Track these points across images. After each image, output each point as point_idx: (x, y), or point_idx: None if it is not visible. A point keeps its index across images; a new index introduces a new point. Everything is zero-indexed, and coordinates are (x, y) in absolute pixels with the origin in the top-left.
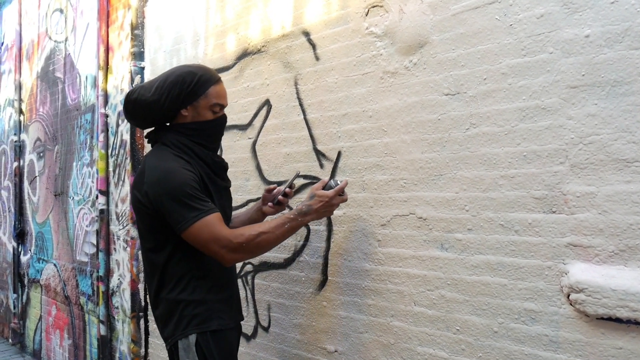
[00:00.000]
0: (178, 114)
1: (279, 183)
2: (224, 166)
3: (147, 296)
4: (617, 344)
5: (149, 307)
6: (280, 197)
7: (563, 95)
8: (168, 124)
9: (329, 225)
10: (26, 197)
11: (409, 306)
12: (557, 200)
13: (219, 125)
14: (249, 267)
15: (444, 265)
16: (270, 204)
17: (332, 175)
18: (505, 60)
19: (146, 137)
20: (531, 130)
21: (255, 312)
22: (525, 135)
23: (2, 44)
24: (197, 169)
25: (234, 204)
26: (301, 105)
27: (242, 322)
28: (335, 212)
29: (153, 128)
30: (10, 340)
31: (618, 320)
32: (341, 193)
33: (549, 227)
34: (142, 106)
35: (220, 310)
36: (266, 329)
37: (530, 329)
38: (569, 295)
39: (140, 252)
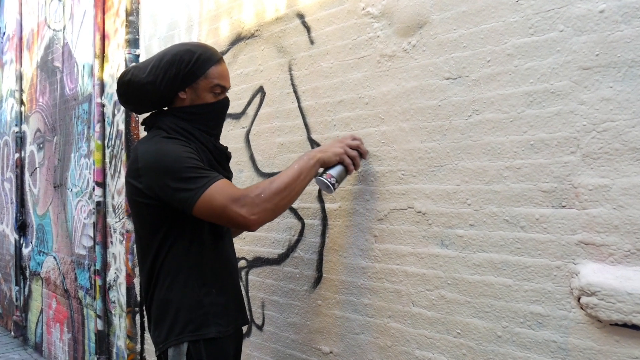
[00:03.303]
0: (176, 97)
1: None
2: (226, 154)
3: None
4: (633, 353)
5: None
6: None
7: (574, 77)
8: (165, 108)
9: (324, 220)
10: (27, 188)
11: (407, 307)
12: (567, 194)
13: (220, 108)
14: (242, 263)
15: (444, 264)
16: None
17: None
18: (511, 40)
19: (142, 123)
20: (539, 117)
21: (250, 309)
22: (533, 122)
23: (4, 33)
24: (200, 153)
25: None
26: (295, 92)
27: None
28: (330, 205)
29: (149, 115)
30: (12, 332)
31: (634, 327)
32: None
33: (558, 223)
34: (136, 88)
35: (218, 315)
36: (260, 328)
37: (536, 334)
38: (579, 299)
39: (134, 245)
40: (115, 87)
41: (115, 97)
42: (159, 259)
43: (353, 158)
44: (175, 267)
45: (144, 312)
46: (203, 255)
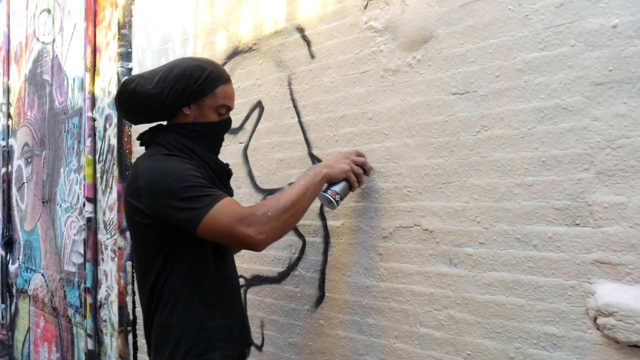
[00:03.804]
0: (179, 112)
1: None
2: (227, 172)
3: (141, 311)
4: None
5: (138, 320)
6: None
7: (587, 93)
8: (164, 123)
9: (326, 237)
10: (14, 204)
11: (414, 327)
12: (581, 212)
13: (223, 129)
14: (240, 281)
15: (452, 283)
16: None
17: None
18: (521, 55)
19: (139, 138)
20: (551, 133)
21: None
22: (544, 138)
23: None
24: (201, 170)
25: None
26: (295, 107)
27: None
28: (332, 222)
29: (147, 129)
30: None
31: None
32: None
33: (572, 241)
34: (140, 99)
35: (223, 338)
36: (259, 348)
37: (551, 356)
38: (596, 319)
39: (127, 263)
40: (107, 100)
41: (107, 111)
42: (159, 281)
43: (358, 175)
44: (177, 290)
45: (138, 331)
46: (206, 276)
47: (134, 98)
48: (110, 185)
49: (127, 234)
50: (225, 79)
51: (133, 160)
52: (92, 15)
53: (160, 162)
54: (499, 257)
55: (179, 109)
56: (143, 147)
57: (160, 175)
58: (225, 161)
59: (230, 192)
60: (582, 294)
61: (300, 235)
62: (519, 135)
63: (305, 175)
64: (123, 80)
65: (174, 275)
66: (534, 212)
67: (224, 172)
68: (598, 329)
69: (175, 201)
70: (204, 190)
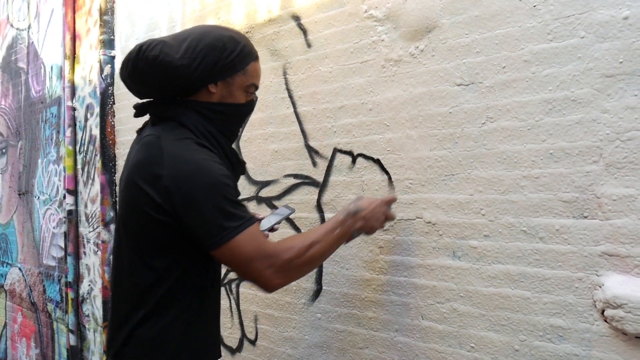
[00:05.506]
0: (202, 89)
1: (274, 208)
2: (244, 170)
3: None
4: None
5: None
6: (265, 232)
7: (597, 85)
8: (179, 98)
9: None
10: None
11: (416, 320)
12: (589, 204)
13: (250, 111)
14: (233, 275)
15: (456, 276)
16: None
17: (327, 173)
18: (528, 46)
19: (137, 107)
20: (559, 125)
21: (241, 323)
22: (552, 130)
23: None
24: (227, 169)
25: None
26: (291, 97)
27: (227, 334)
28: (330, 215)
29: (153, 100)
30: None
31: None
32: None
33: (580, 234)
34: (163, 69)
35: (205, 350)
36: (253, 342)
37: (557, 348)
38: (603, 311)
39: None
40: (87, 89)
41: (88, 100)
42: (158, 288)
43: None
44: (179, 303)
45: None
46: (207, 295)
47: (156, 68)
48: (92, 177)
49: (112, 227)
50: (256, 55)
51: (117, 151)
52: (71, 1)
53: (193, 154)
54: (504, 250)
55: (205, 85)
56: (130, 136)
57: (194, 172)
58: None
59: (238, 191)
60: (590, 286)
61: (297, 229)
62: (526, 127)
63: (343, 224)
64: (139, 45)
65: (178, 286)
66: (540, 204)
67: (242, 170)
68: (605, 320)
69: (207, 208)
70: (237, 208)
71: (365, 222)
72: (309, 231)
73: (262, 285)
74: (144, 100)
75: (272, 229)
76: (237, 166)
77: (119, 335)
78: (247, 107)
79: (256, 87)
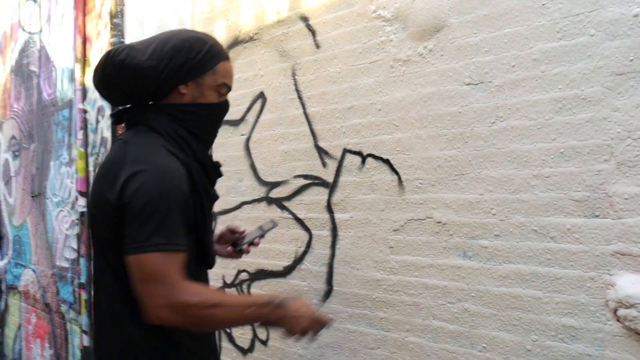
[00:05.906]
0: (173, 91)
1: (261, 229)
2: (219, 173)
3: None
4: None
5: None
6: (245, 246)
7: (607, 83)
8: (151, 103)
9: (334, 231)
10: (2, 198)
11: (427, 320)
12: (600, 203)
13: (223, 111)
14: (244, 276)
15: (467, 275)
16: (229, 248)
17: (337, 173)
18: (538, 45)
19: (114, 116)
20: (569, 124)
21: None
22: (562, 129)
23: None
24: (195, 174)
25: (226, 207)
26: (300, 97)
27: (238, 334)
28: (340, 215)
29: (127, 107)
30: None
31: None
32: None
33: (592, 233)
34: (130, 72)
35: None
36: (264, 343)
37: (569, 348)
38: (616, 311)
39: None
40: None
41: (99, 103)
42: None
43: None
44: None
45: None
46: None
47: (123, 71)
48: None
49: None
50: (225, 56)
51: (119, 137)
52: (82, 5)
53: (164, 159)
54: (515, 249)
55: (174, 87)
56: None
57: (150, 176)
58: (226, 154)
59: (217, 197)
60: (602, 286)
61: (307, 229)
62: (536, 126)
63: (260, 307)
64: (108, 50)
65: None
66: (551, 203)
67: (216, 174)
68: (618, 320)
69: (144, 213)
70: (173, 228)
71: (283, 321)
72: (228, 293)
73: (146, 310)
74: (121, 107)
75: (252, 243)
76: (212, 170)
77: (107, 333)
78: (220, 107)
79: (228, 87)
